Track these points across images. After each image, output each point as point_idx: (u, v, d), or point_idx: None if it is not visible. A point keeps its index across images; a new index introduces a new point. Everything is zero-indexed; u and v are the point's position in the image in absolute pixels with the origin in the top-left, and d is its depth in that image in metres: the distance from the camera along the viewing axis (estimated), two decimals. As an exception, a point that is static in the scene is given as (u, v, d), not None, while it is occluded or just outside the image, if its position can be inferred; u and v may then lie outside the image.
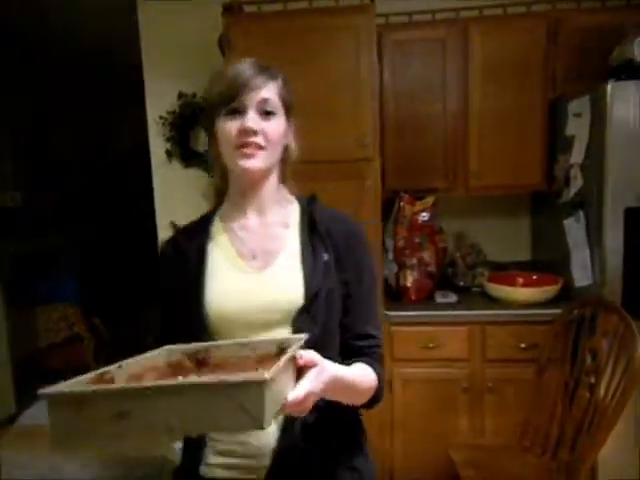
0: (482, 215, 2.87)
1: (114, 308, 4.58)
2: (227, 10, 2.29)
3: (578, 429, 1.88)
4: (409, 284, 2.53)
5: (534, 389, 2.12)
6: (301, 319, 1.00)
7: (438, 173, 2.57)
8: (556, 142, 2.45)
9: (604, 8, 2.43)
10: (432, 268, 2.56)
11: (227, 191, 1.14)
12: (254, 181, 1.07)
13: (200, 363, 0.90)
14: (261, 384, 0.65)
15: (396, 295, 2.56)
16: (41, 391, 0.67)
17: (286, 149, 1.11)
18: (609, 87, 2.05)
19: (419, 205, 2.55)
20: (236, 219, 1.10)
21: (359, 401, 1.04)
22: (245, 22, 2.28)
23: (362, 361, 1.05)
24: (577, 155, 2.25)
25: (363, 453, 1.13)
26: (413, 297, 2.53)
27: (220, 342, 0.94)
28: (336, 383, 0.87)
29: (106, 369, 0.78)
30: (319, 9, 2.28)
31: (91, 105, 5.46)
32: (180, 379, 0.77)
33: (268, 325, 1.01)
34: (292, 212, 1.13)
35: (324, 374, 0.82)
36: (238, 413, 0.66)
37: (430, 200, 2.56)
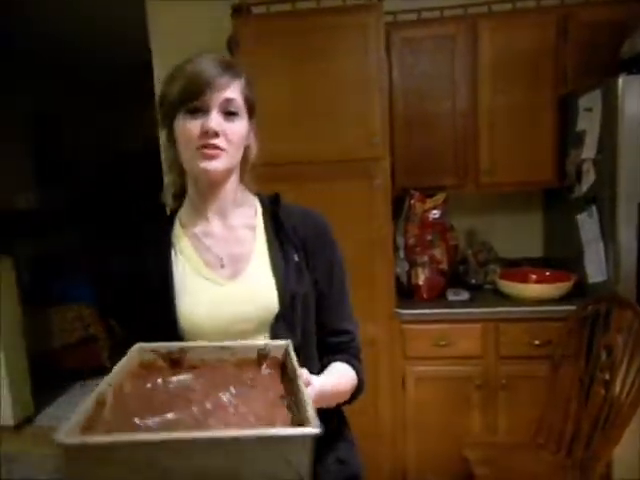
0: (493, 212, 2.86)
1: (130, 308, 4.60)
2: (236, 11, 2.30)
3: (593, 426, 1.87)
4: (421, 282, 2.52)
5: (548, 386, 2.11)
6: (278, 326, 0.99)
7: (448, 170, 2.56)
8: (567, 137, 2.43)
9: (614, 1, 2.40)
10: (444, 266, 2.56)
11: (185, 193, 1.09)
12: (215, 183, 1.02)
13: (174, 363, 0.87)
14: (313, 438, 0.60)
15: (408, 293, 2.55)
16: (60, 439, 0.59)
17: (246, 149, 1.06)
18: (620, 81, 2.03)
19: (430, 203, 2.55)
20: (198, 224, 1.06)
21: (341, 401, 1.05)
22: (254, 23, 2.29)
23: (340, 359, 1.05)
24: (589, 150, 2.23)
25: (347, 441, 1.13)
26: (425, 295, 2.52)
27: (197, 343, 0.91)
28: (323, 395, 0.88)
29: (100, 391, 0.74)
30: (327, 9, 2.28)
31: (103, 105, 5.51)
32: (223, 430, 0.66)
33: (244, 334, 0.99)
34: (255, 213, 1.09)
35: (313, 390, 0.83)
36: (279, 467, 0.60)
37: (441, 197, 2.55)
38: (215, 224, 1.05)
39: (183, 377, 0.85)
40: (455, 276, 2.69)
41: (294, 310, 1.00)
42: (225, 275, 1.02)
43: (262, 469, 0.60)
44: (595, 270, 2.24)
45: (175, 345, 0.89)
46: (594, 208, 2.22)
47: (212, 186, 1.03)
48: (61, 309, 4.26)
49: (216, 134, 0.95)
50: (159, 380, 0.83)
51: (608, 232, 2.15)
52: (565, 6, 2.49)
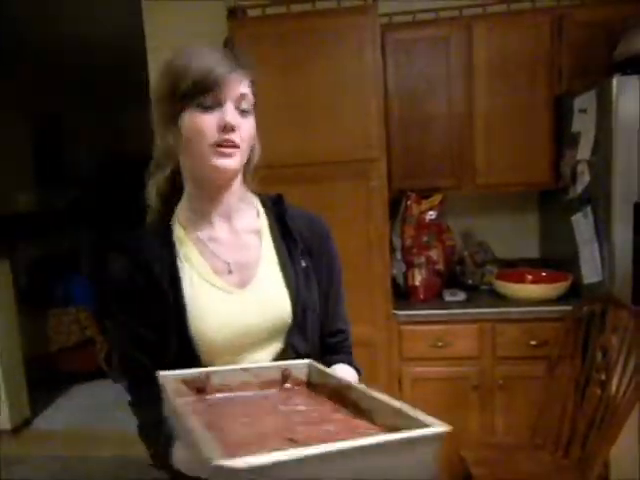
0: (490, 213, 2.87)
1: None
2: (232, 14, 2.31)
3: (590, 426, 1.87)
4: (417, 283, 2.53)
5: (545, 386, 2.11)
6: (292, 335, 0.98)
7: (445, 171, 2.56)
8: (562, 138, 2.44)
9: (608, 2, 2.41)
10: (440, 267, 2.56)
11: (173, 194, 1.03)
12: (223, 183, 0.98)
13: (199, 391, 0.85)
14: (443, 435, 0.62)
15: (404, 294, 2.56)
16: (227, 463, 0.54)
17: (251, 150, 1.02)
18: (614, 82, 2.03)
19: (426, 204, 2.55)
20: (201, 228, 1.00)
21: None
22: (249, 25, 2.29)
23: (339, 359, 1.06)
24: (584, 151, 2.24)
25: None
26: (422, 296, 2.52)
27: (219, 368, 0.89)
28: None
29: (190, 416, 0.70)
30: (322, 11, 2.29)
31: (103, 105, 5.50)
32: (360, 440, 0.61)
33: (258, 344, 0.98)
34: (258, 215, 1.06)
35: None
36: (418, 468, 0.62)
37: (437, 198, 2.56)
38: (220, 228, 1.01)
39: (217, 400, 0.83)
40: (452, 277, 2.69)
41: (307, 318, 0.99)
42: (234, 282, 0.98)
43: (403, 473, 0.62)
44: (590, 271, 2.24)
45: (198, 371, 0.86)
46: (589, 209, 2.23)
47: (220, 187, 0.99)
48: (58, 312, 4.26)
49: (232, 129, 0.92)
50: (200, 405, 0.81)
51: (603, 233, 2.16)
52: (560, 7, 2.50)
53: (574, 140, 2.30)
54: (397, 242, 2.57)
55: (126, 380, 1.01)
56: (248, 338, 0.97)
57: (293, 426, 0.72)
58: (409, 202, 2.55)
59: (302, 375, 0.89)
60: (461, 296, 2.51)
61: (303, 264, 1.02)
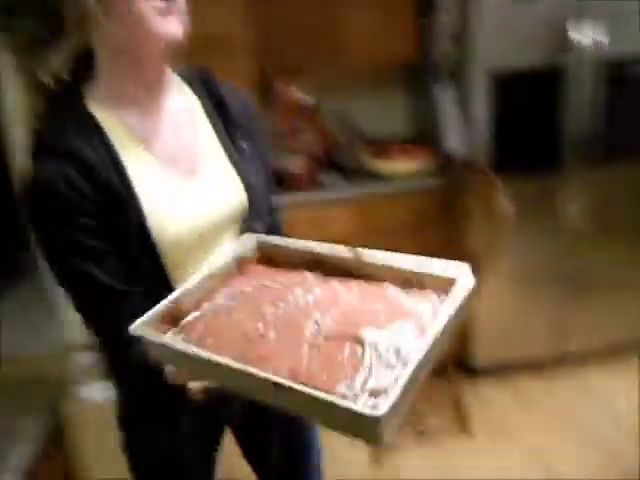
0: (357, 92, 2.84)
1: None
2: None
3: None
4: (293, 168, 2.51)
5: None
6: (250, 219, 0.94)
7: (310, 52, 2.47)
8: (425, 9, 2.43)
9: None
10: (314, 150, 2.56)
11: (91, 71, 0.85)
12: (163, 57, 0.85)
13: (176, 319, 0.75)
14: None
15: (281, 180, 2.54)
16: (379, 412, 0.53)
17: None
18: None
19: (294, 87, 2.48)
20: (130, 111, 0.85)
21: None
22: None
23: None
24: (444, 21, 2.26)
25: None
26: (299, 181, 2.52)
27: (184, 288, 0.78)
28: None
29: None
30: None
31: None
32: None
33: (219, 234, 0.92)
34: (186, 92, 0.95)
35: None
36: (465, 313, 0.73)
37: (306, 81, 2.49)
38: (151, 110, 0.88)
39: (213, 325, 0.74)
40: (327, 160, 2.70)
41: (260, 201, 0.96)
42: (182, 170, 0.88)
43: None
44: (454, 141, 2.35)
45: (168, 302, 0.75)
46: (450, 81, 2.30)
47: (159, 62, 0.85)
48: None
49: None
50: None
51: (464, 104, 2.25)
52: None
53: (436, 10, 2.31)
54: (269, 128, 2.51)
55: (80, 303, 0.85)
56: (210, 229, 0.90)
57: (317, 321, 0.72)
58: (277, 86, 2.46)
59: (251, 254, 0.87)
60: (337, 178, 2.55)
61: (243, 145, 0.95)
